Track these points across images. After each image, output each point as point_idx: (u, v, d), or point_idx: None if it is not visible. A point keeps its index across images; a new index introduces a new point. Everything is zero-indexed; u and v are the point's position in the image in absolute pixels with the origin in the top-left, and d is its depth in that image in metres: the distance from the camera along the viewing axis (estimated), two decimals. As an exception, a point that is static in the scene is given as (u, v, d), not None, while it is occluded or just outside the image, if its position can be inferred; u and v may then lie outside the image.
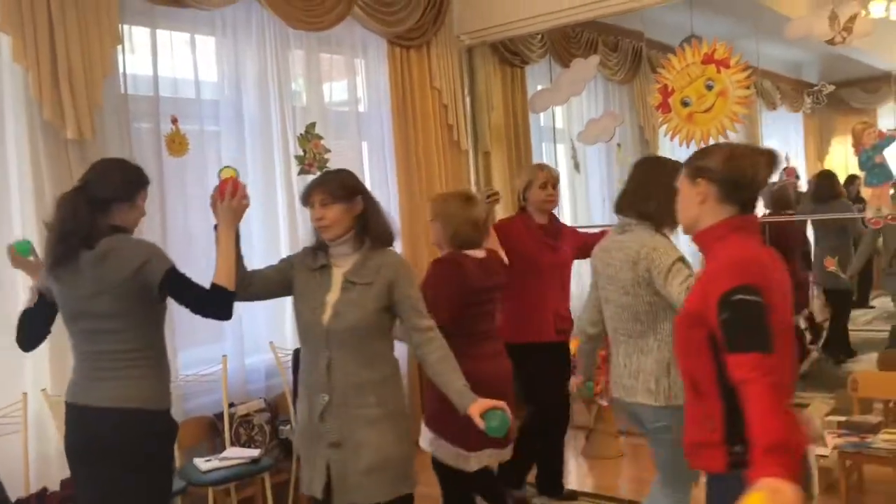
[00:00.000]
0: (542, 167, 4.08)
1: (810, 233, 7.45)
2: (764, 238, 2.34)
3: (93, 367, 2.41)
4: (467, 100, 5.67)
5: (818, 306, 7.59)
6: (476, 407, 2.37)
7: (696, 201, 2.01)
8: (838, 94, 6.79)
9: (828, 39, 4.46)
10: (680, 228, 2.22)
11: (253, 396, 4.21)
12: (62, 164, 3.51)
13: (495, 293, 3.25)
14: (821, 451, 3.66)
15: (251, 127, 4.41)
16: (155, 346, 2.48)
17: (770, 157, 1.98)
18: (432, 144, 5.29)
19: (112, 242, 2.37)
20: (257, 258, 4.08)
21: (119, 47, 3.75)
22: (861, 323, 6.52)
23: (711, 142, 4.64)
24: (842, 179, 6.33)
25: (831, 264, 5.28)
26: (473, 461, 3.09)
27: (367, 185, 5.02)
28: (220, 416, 3.97)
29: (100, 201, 2.39)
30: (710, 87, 4.62)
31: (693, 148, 4.67)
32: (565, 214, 6.06)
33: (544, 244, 3.85)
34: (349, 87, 4.98)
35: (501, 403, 2.38)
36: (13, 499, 3.24)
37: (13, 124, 3.48)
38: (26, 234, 3.47)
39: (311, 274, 2.59)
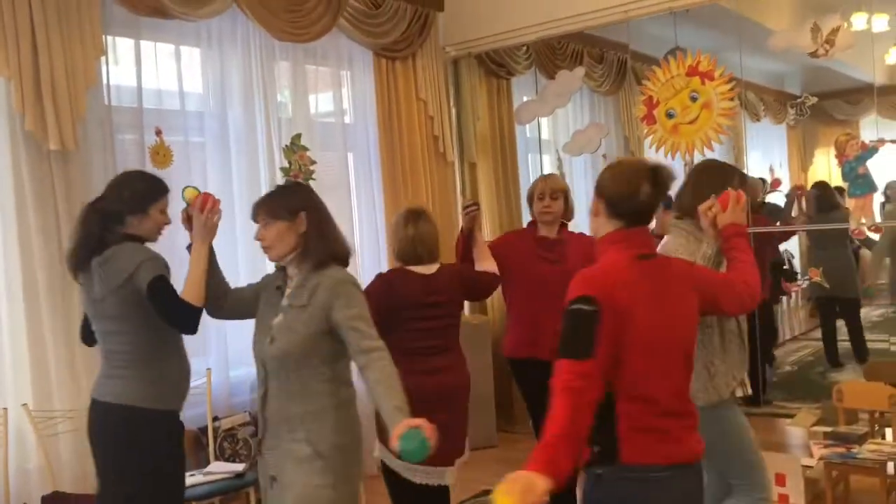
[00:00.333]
0: (544, 178, 3.92)
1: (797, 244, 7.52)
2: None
3: (107, 365, 2.61)
4: (453, 111, 5.67)
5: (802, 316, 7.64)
6: (398, 428, 2.08)
7: (593, 214, 2.06)
8: (821, 106, 6.86)
9: (810, 52, 4.51)
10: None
11: (237, 410, 4.17)
12: (44, 175, 3.48)
13: (442, 308, 3.14)
14: (807, 461, 3.68)
15: (236, 138, 4.39)
16: (157, 348, 2.57)
17: (653, 173, 1.98)
18: (418, 155, 5.28)
19: (114, 250, 2.51)
20: (243, 271, 4.07)
21: (103, 58, 3.72)
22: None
23: (696, 153, 4.67)
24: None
25: (815, 275, 5.31)
26: (420, 474, 3.01)
27: (353, 196, 5.10)
28: (204, 430, 3.92)
29: (112, 213, 2.55)
30: (694, 99, 4.65)
31: (678, 160, 4.70)
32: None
33: (539, 257, 3.68)
34: (335, 98, 4.97)
35: (420, 422, 2.07)
36: (-7, 515, 3.21)
37: (-5, 135, 3.44)
38: (7, 245, 3.44)
39: (271, 294, 2.48)
